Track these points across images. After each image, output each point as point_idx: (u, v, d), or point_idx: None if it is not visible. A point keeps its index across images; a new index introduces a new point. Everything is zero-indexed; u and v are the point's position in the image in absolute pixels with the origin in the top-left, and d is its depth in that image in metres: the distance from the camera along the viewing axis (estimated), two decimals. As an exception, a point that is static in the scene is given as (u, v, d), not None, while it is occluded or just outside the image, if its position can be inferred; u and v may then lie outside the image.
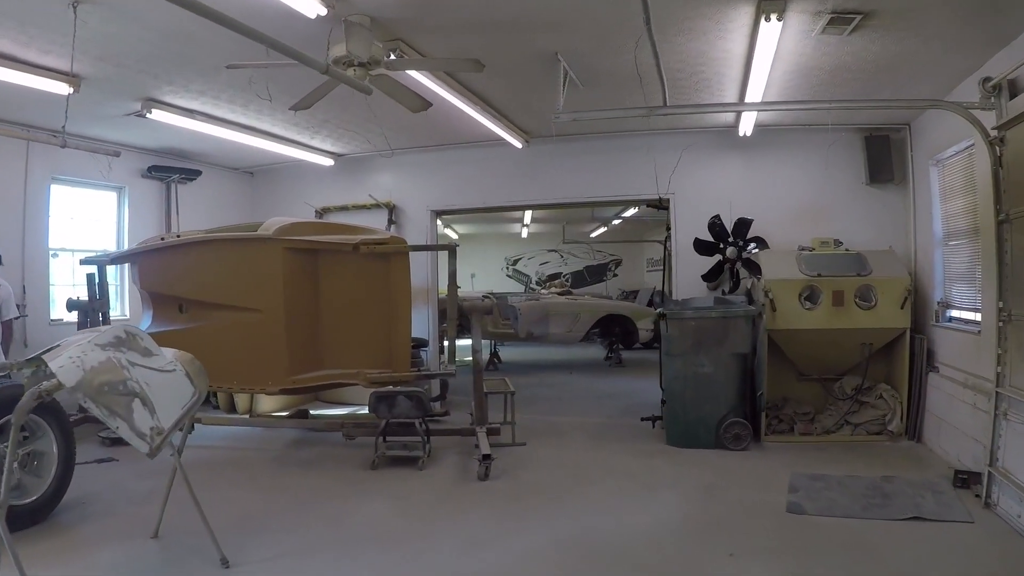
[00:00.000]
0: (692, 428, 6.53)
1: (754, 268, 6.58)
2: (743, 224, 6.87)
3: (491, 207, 8.59)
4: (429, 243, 8.64)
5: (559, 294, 15.66)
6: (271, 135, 8.13)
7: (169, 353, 4.04)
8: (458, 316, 6.31)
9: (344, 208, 9.39)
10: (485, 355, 13.67)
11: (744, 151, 7.90)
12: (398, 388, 5.96)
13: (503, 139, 7.89)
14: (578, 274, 21.63)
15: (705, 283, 6.91)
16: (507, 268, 21.94)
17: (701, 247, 6.88)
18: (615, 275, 21.66)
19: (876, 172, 7.76)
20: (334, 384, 6.77)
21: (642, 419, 6.94)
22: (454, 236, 20.09)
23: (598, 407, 8.96)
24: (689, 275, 7.77)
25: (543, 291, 17.55)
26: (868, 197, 7.83)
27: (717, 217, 6.85)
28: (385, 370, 6.41)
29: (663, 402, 6.75)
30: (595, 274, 21.69)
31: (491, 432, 6.42)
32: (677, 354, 6.43)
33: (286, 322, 6.39)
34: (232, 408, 8.78)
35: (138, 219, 8.84)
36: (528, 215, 14.37)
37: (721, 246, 6.40)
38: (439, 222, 15.44)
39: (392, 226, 8.90)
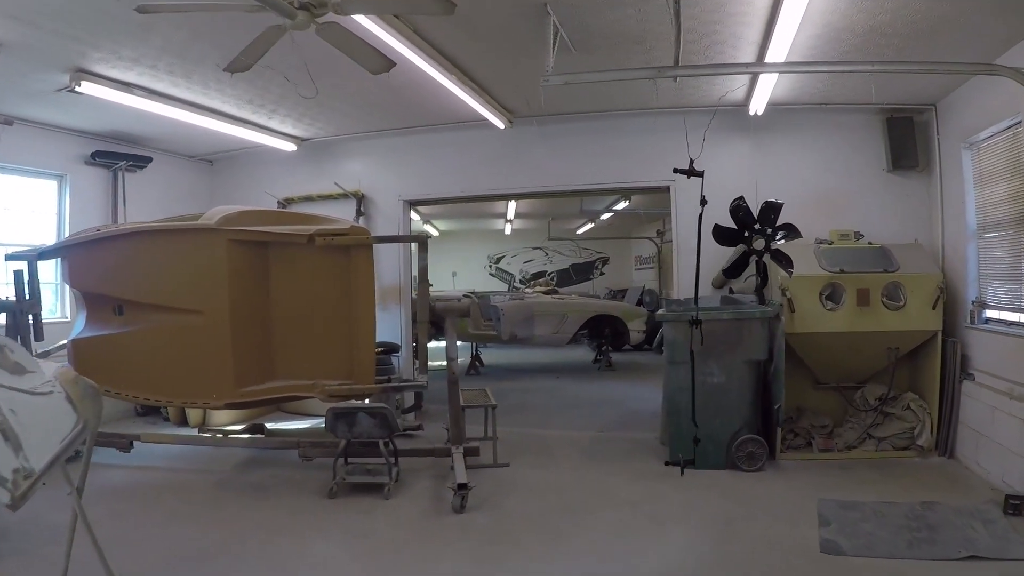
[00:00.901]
0: (700, 445, 5.70)
1: (784, 261, 5.69)
2: (772, 208, 5.84)
3: (471, 196, 7.70)
4: (401, 233, 7.74)
5: (544, 293, 14.82)
6: (222, 114, 7.22)
7: (49, 371, 3.13)
8: (431, 318, 5.43)
9: (309, 198, 8.48)
10: (466, 359, 12.81)
11: (754, 134, 7.09)
12: (360, 404, 5.07)
13: (484, 119, 7.02)
14: (564, 272, 20.81)
15: (727, 279, 6.03)
16: (490, 266, 21.08)
17: (722, 236, 5.92)
18: (602, 273, 20.88)
19: (899, 157, 7.01)
20: (288, 397, 5.87)
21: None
22: (434, 233, 19.20)
23: (589, 417, 8.12)
24: (694, 271, 6.91)
25: (527, 290, 16.70)
26: (889, 185, 7.07)
27: (741, 199, 5.75)
28: (346, 381, 5.53)
29: (669, 416, 5.89)
30: (581, 272, 20.89)
31: (469, 452, 5.56)
32: (682, 361, 5.60)
33: (231, 326, 5.53)
34: (184, 421, 7.88)
35: (81, 211, 7.92)
36: (512, 209, 13.49)
37: (746, 235, 5.42)
38: (415, 215, 14.76)
39: (361, 217, 8.00)
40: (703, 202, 5.56)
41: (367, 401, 7.66)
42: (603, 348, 12.50)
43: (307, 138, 8.25)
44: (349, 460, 5.47)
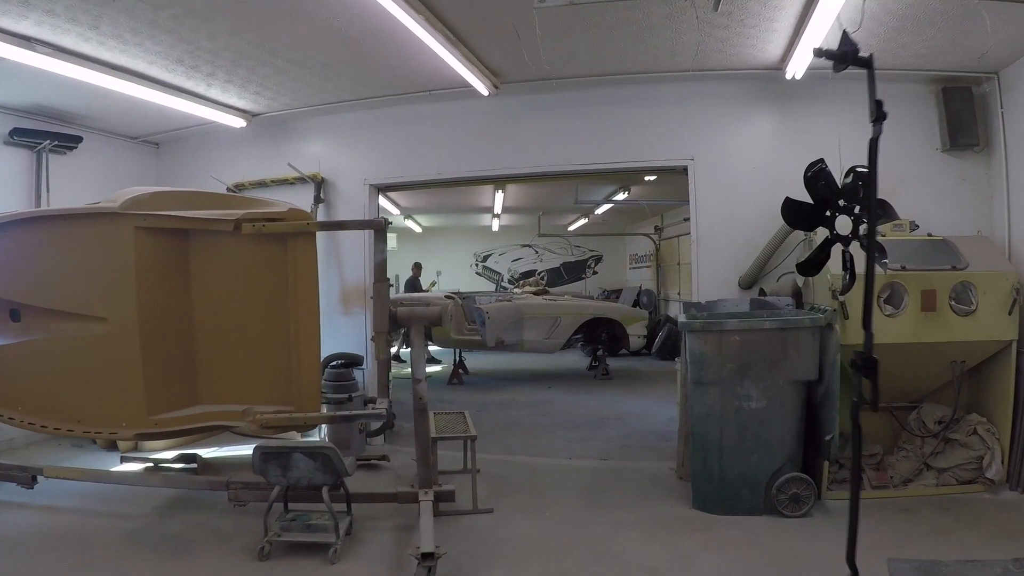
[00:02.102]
0: (732, 487, 4.57)
1: (880, 252, 4.33)
2: (863, 180, 4.23)
3: (449, 179, 6.50)
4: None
5: (534, 294, 13.65)
6: (151, 80, 6.01)
7: None
8: (392, 326, 4.25)
9: (262, 184, 7.28)
10: (445, 364, 11.62)
11: (786, 104, 5.96)
12: (296, 441, 3.89)
13: (464, 85, 5.85)
14: (554, 271, 19.65)
15: (800, 274, 4.74)
16: (476, 265, 19.89)
17: (796, 215, 4.29)
18: (595, 272, 19.75)
19: (956, 135, 5.92)
20: (213, 427, 4.66)
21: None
22: (417, 230, 18.01)
23: (588, 440, 6.96)
24: (717, 268, 5.81)
25: (516, 290, 15.51)
26: (945, 167, 6.00)
27: (822, 164, 4.29)
28: (284, 407, 4.36)
29: (694, 449, 4.71)
30: (573, 271, 19.75)
31: (442, 498, 4.38)
32: (712, 382, 4.45)
33: (141, 337, 4.42)
34: (114, 444, 6.66)
35: (-5, 196, 6.71)
36: (499, 201, 12.30)
37: (828, 213, 4.00)
38: (393, 209, 13.52)
39: (320, 205, 6.80)
40: (878, 117, 2.92)
41: (323, 435, 6.54)
42: (599, 354, 11.36)
43: (258, 112, 7.03)
44: (290, 508, 4.28)
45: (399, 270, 19.64)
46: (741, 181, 5.82)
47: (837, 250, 3.63)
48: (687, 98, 5.91)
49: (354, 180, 6.70)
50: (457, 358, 11.15)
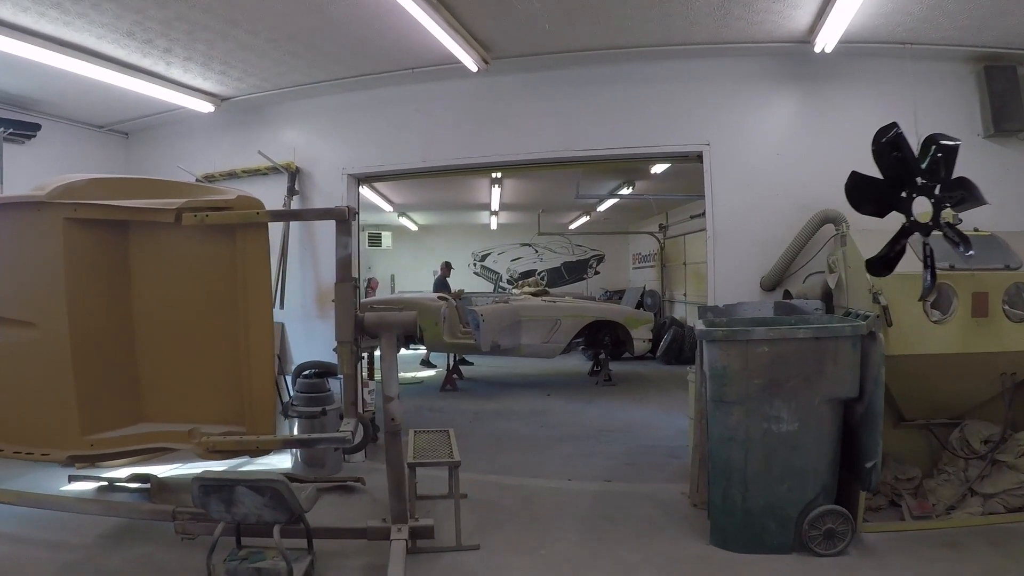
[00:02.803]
0: (757, 521, 3.93)
1: (964, 243, 3.64)
2: (946, 153, 3.63)
3: (436, 167, 5.84)
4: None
5: (533, 294, 13.01)
6: (104, 58, 5.41)
7: None
8: (360, 334, 3.61)
9: (233, 174, 6.66)
10: (439, 368, 10.99)
11: (813, 83, 5.32)
12: (241, 474, 3.27)
13: (450, 62, 5.22)
14: (555, 271, 19.00)
15: (871, 274, 4.00)
16: (474, 264, 19.24)
17: (863, 196, 3.62)
18: (596, 272, 19.09)
19: (1000, 119, 5.33)
20: (156, 449, 4.03)
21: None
22: (413, 228, 17.39)
23: (590, 456, 6.32)
24: (736, 267, 5.17)
25: (515, 291, 14.87)
26: (987, 154, 5.38)
27: (896, 130, 3.56)
28: (235, 427, 3.75)
29: (714, 476, 4.06)
30: (574, 271, 19.09)
31: (419, 534, 3.75)
32: (736, 400, 3.81)
33: (74, 344, 3.83)
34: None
35: (-55, 189, 6.16)
36: (496, 197, 11.65)
37: (904, 195, 3.14)
38: (386, 206, 12.76)
39: (295, 197, 6.18)
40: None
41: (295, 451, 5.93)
42: (601, 358, 10.72)
43: (227, 96, 6.40)
44: (243, 543, 3.65)
45: (395, 269, 19.09)
46: (762, 169, 5.19)
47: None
48: (702, 76, 5.28)
49: (331, 170, 6.07)
50: (451, 363, 10.51)
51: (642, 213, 15.42)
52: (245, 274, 3.60)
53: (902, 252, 2.94)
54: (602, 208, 13.32)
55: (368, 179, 6.22)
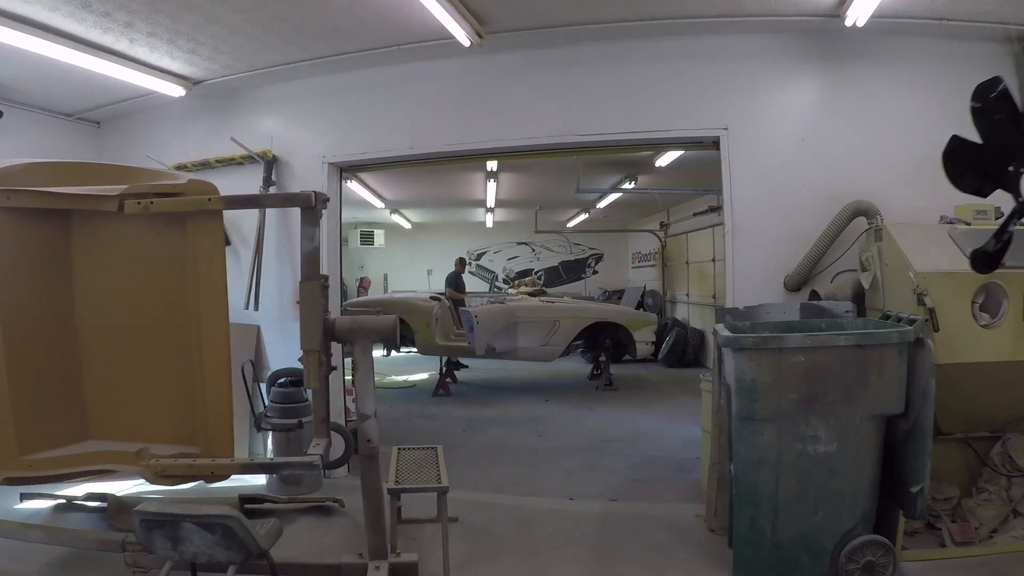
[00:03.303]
0: (787, 553, 3.44)
1: None
2: None
3: (425, 154, 5.30)
4: (325, 211, 5.37)
5: (530, 295, 12.50)
6: (56, 32, 4.88)
7: None
8: (329, 339, 3.09)
9: (205, 164, 6.14)
10: (432, 372, 10.48)
11: (842, 63, 4.81)
12: (186, 508, 2.75)
13: (440, 37, 4.70)
14: (552, 271, 18.48)
15: (975, 270, 3.41)
16: (469, 264, 18.69)
17: (963, 169, 2.95)
18: (595, 272, 18.59)
19: (1044, 101, 4.78)
20: (98, 471, 3.51)
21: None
22: (406, 225, 16.86)
23: (592, 470, 5.83)
24: (757, 265, 4.67)
25: (511, 291, 14.35)
26: None
27: (1001, 84, 2.92)
28: (189, 448, 3.24)
29: (739, 504, 3.55)
30: (572, 271, 18.58)
31: (401, 572, 3.24)
32: (767, 418, 3.31)
33: (7, 351, 3.33)
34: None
35: None
36: (492, 192, 11.13)
37: (1011, 169, 2.55)
38: (377, 202, 12.21)
39: (272, 188, 5.66)
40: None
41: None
42: (601, 362, 10.22)
43: (199, 79, 5.88)
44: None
45: (388, 268, 18.55)
46: (786, 157, 4.69)
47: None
48: (719, 53, 4.77)
49: (311, 158, 5.56)
50: (443, 367, 10.00)
51: (643, 210, 14.93)
52: (197, 270, 3.09)
53: (1009, 242, 2.42)
54: (602, 205, 12.82)
55: (351, 169, 5.70)
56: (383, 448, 6.48)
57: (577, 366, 12.00)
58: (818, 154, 4.70)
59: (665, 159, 8.06)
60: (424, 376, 11.29)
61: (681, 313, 13.74)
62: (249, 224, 5.85)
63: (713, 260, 11.80)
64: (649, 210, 14.66)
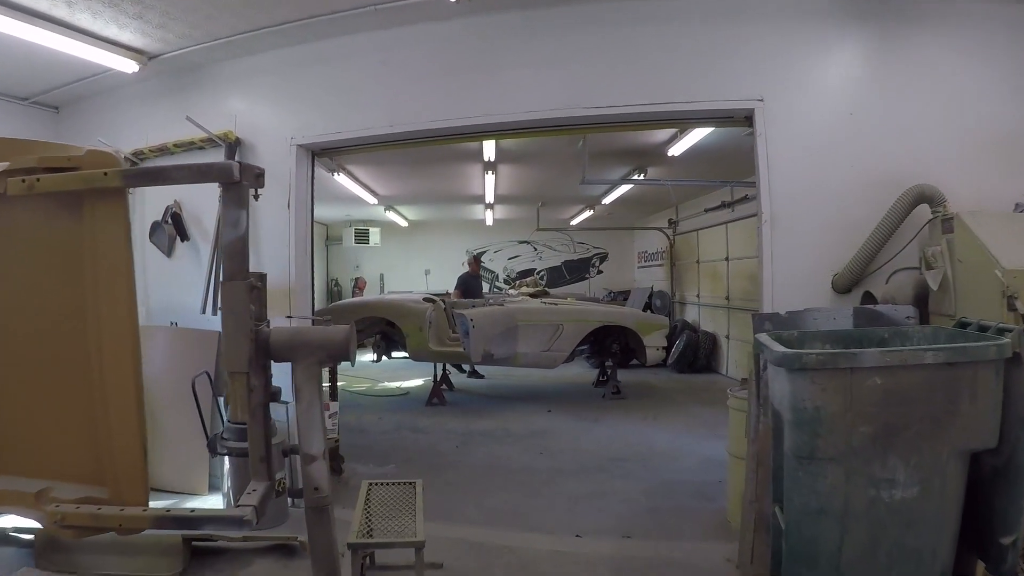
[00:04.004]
0: (852, 622, 2.70)
1: None
2: None
3: (406, 133, 4.58)
4: (293, 200, 4.66)
5: (531, 295, 11.78)
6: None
7: None
8: (263, 357, 2.37)
9: (163, 149, 5.45)
10: (445, 379, 9.77)
11: (892, 25, 4.09)
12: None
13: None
14: (555, 270, 17.75)
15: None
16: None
17: None
18: (599, 272, 17.86)
19: None
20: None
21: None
22: (402, 223, 16.16)
23: (602, 496, 5.11)
24: (798, 262, 3.94)
25: (511, 292, 13.62)
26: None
27: None
28: (96, 490, 2.54)
29: (792, 557, 2.82)
30: (575, 271, 17.85)
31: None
32: (832, 457, 2.58)
33: None
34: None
35: None
36: (490, 186, 10.41)
37: None
38: (370, 198, 11.41)
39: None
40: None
41: (227, 488, 4.69)
42: (608, 367, 9.51)
43: (155, 52, 5.18)
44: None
45: (384, 268, 17.84)
46: (832, 133, 3.97)
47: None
48: (753, 11, 4.06)
49: (278, 140, 4.84)
50: (437, 374, 9.29)
51: (650, 207, 14.21)
52: (96, 265, 2.38)
53: None
54: (608, 200, 12.09)
55: (325, 152, 4.97)
56: (362, 467, 5.75)
57: (581, 371, 11.29)
58: (869, 130, 3.98)
59: (680, 147, 7.33)
60: (419, 382, 10.58)
61: (691, 315, 13.02)
62: (211, 215, 5.16)
63: (727, 259, 11.08)
64: (657, 206, 13.93)
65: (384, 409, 8.70)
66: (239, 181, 2.22)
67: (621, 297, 15.61)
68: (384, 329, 9.24)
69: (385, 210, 13.98)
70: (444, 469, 5.89)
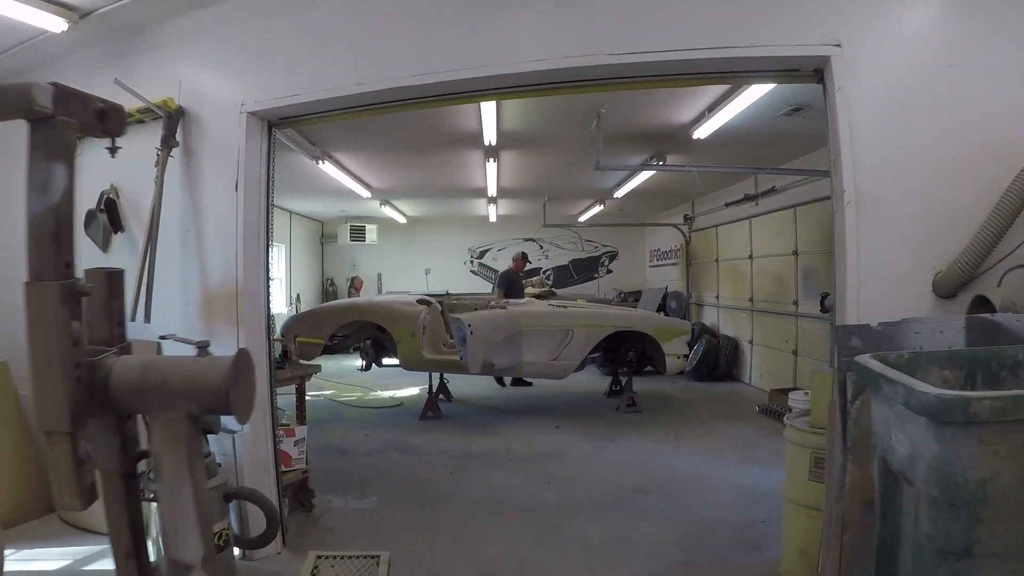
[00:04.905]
0: None
1: None
2: None
3: (379, 93, 3.55)
4: (242, 181, 3.75)
5: (537, 297, 10.87)
6: None
7: None
8: (98, 408, 1.49)
9: (100, 124, 4.53)
10: (439, 389, 8.88)
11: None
12: None
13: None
14: (562, 269, 16.82)
15: None
16: (471, 262, 17.11)
17: None
18: (609, 271, 16.94)
19: None
20: None
21: None
22: (400, 220, 15.27)
23: (623, 543, 4.21)
24: (888, 257, 3.00)
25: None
26: None
27: None
28: None
29: None
30: (584, 270, 16.93)
31: None
32: (995, 553, 1.66)
33: None
34: None
35: None
36: (492, 174, 9.47)
37: None
38: (362, 190, 10.40)
39: (176, 151, 4.06)
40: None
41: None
42: (623, 377, 8.59)
43: (87, 8, 4.29)
44: None
45: (382, 267, 16.94)
46: (929, 90, 3.04)
47: None
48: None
49: (227, 108, 3.94)
50: (432, 386, 8.39)
51: (665, 202, 13.28)
52: None
53: None
54: (621, 193, 11.14)
55: (284, 122, 4.04)
56: (338, 500, 4.85)
57: (591, 379, 10.37)
58: (975, 88, 3.05)
59: (707, 128, 6.41)
60: (415, 391, 9.68)
61: (709, 318, 12.07)
62: (141, 196, 4.27)
63: (750, 257, 10.15)
64: (674, 200, 13.00)
65: (373, 423, 7.81)
66: (52, 115, 1.33)
67: (632, 298, 14.68)
68: (374, 334, 8.34)
69: (381, 205, 13.09)
70: (434, 504, 5.00)
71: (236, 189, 3.78)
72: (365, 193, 11.09)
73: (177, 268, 4.02)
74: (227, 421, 3.83)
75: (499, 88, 3.52)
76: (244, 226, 3.74)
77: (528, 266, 11.98)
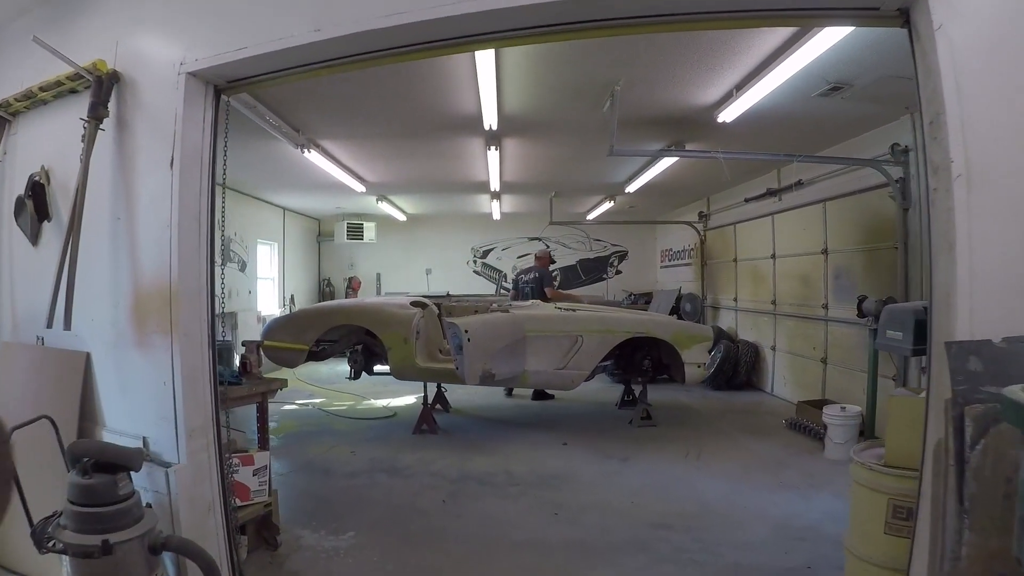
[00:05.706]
0: None
1: None
2: None
3: (342, 38, 2.74)
4: (179, 157, 3.04)
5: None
6: None
7: None
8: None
9: (29, 95, 3.88)
10: (432, 398, 8.18)
11: None
12: None
13: None
14: (570, 270, 16.08)
15: None
16: (474, 262, 16.40)
17: None
18: (618, 272, 16.19)
19: None
20: None
21: None
22: (400, 217, 14.59)
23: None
24: (1006, 251, 2.26)
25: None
26: None
27: None
28: None
29: None
30: (592, 270, 16.19)
31: None
32: None
33: None
34: None
35: None
36: (495, 164, 8.73)
37: None
38: (357, 185, 9.53)
39: (107, 121, 3.37)
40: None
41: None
42: (636, 387, 7.86)
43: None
44: None
45: (381, 267, 16.22)
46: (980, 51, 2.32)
47: None
48: None
49: (163, 69, 3.24)
50: (428, 396, 7.69)
51: (678, 198, 12.55)
52: None
53: None
54: (633, 188, 10.42)
55: (232, 85, 3.30)
56: (310, 535, 4.17)
57: (601, 387, 9.64)
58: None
59: (735, 110, 5.70)
60: (411, 400, 9.01)
61: (726, 321, 11.34)
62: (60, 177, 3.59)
63: (772, 257, 9.41)
64: (687, 197, 12.27)
65: (363, 437, 7.12)
66: None
67: (643, 300, 13.98)
68: (365, 340, 7.63)
69: (378, 201, 12.40)
70: (420, 542, 4.29)
71: (171, 166, 3.08)
72: (359, 187, 10.39)
73: (106, 262, 3.32)
74: (159, 451, 3.14)
75: (494, 32, 2.77)
76: (179, 211, 3.03)
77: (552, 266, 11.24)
